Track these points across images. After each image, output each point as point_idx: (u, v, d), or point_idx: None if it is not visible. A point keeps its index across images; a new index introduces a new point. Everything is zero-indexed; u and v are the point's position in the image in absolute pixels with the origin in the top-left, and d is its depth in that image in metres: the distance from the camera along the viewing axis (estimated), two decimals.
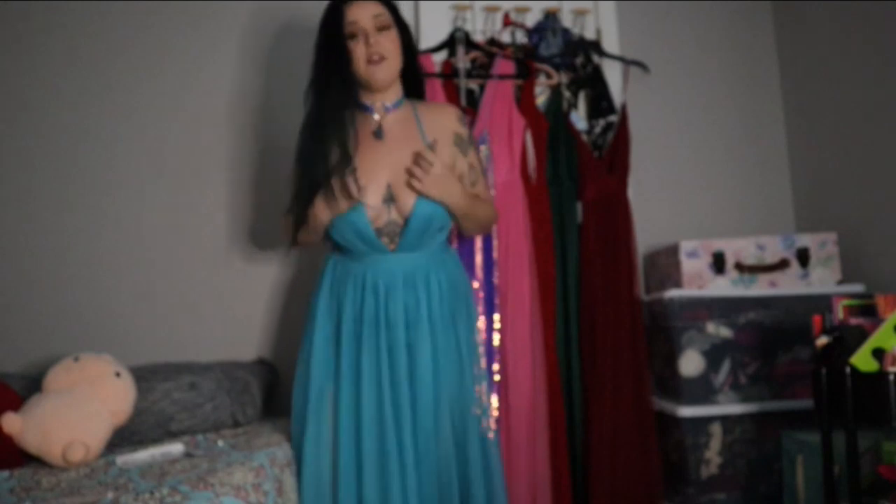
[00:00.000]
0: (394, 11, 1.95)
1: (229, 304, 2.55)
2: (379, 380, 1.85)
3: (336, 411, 1.88)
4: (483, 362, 2.26)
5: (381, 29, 1.89)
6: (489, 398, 2.00)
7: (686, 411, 2.35)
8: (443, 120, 2.00)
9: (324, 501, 1.85)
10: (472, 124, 2.43)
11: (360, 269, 1.91)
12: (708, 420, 2.35)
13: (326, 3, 1.95)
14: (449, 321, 1.92)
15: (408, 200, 1.88)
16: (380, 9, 1.90)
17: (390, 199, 1.89)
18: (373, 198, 1.88)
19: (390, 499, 1.79)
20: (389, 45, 1.89)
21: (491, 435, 1.94)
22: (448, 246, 2.05)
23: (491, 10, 2.61)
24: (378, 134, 1.93)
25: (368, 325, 1.88)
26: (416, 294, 1.89)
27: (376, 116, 1.96)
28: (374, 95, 1.96)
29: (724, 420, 2.36)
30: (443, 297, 1.92)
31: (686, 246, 2.44)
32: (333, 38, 1.89)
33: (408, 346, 1.87)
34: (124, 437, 2.02)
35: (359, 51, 1.88)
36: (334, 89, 1.89)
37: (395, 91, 1.98)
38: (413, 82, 2.04)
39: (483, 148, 2.39)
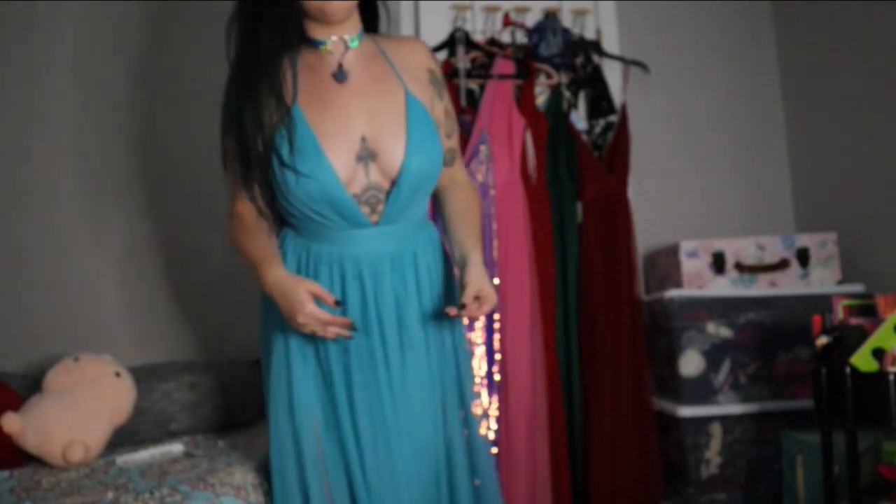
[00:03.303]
0: None
1: (229, 304, 2.55)
2: (377, 394, 1.50)
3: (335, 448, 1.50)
4: (483, 363, 2.28)
5: None
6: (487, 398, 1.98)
7: (686, 411, 2.35)
8: (415, 56, 1.59)
9: None
10: (471, 124, 2.43)
11: (334, 253, 1.49)
12: (708, 420, 2.35)
13: None
14: (441, 312, 1.55)
15: (393, 155, 1.47)
16: None
17: (367, 155, 1.47)
18: (343, 156, 1.46)
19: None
20: None
21: (487, 436, 1.81)
22: (428, 219, 1.64)
23: (491, 10, 2.61)
24: (339, 76, 1.50)
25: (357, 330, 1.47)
26: (404, 280, 1.52)
27: (334, 55, 1.53)
28: (327, 29, 1.51)
29: (724, 420, 2.36)
30: (433, 282, 1.56)
31: (686, 246, 2.44)
32: None
33: (401, 348, 1.50)
34: (124, 437, 2.02)
35: None
36: (270, 22, 1.45)
37: (355, 22, 1.54)
38: (368, 11, 1.60)
39: (483, 148, 2.39)
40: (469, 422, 1.60)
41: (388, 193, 1.49)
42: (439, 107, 1.59)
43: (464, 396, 1.60)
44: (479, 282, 1.47)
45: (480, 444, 1.62)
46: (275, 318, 1.52)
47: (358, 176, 1.47)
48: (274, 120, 1.45)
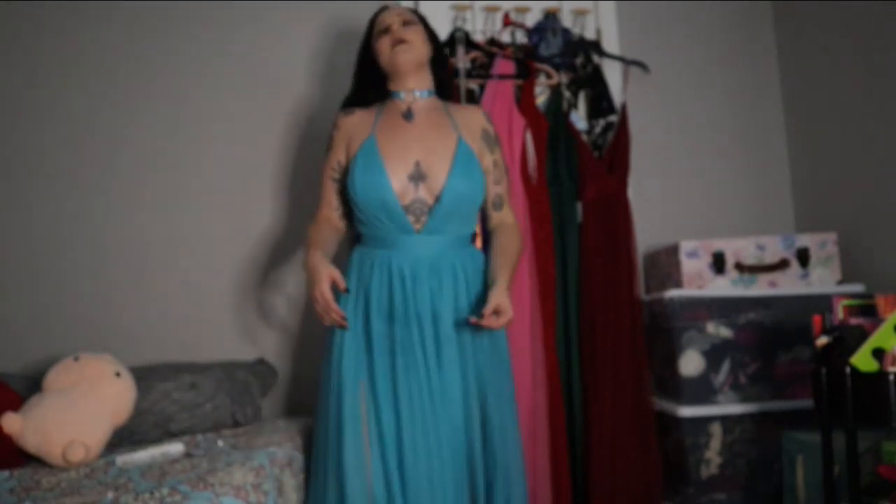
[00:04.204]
0: (423, 21, 2.06)
1: (229, 304, 2.55)
2: (416, 375, 1.82)
3: (375, 409, 1.81)
4: None
5: (407, 23, 1.99)
6: None
7: (686, 411, 2.35)
8: (473, 116, 2.03)
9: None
10: None
11: (385, 256, 1.88)
12: (708, 420, 2.35)
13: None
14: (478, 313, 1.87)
15: (438, 177, 1.88)
16: (408, 14, 2.03)
17: (418, 176, 1.89)
18: (400, 174, 1.88)
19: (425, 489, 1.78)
20: (412, 34, 1.97)
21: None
22: (473, 244, 2.02)
23: (491, 10, 2.62)
24: (408, 116, 1.96)
25: (399, 319, 1.84)
26: (440, 281, 1.86)
27: (406, 102, 1.99)
28: (403, 82, 1.99)
29: (724, 420, 2.36)
30: (469, 287, 1.90)
31: (686, 246, 2.44)
32: (367, 41, 2.06)
33: (436, 339, 1.83)
34: (124, 437, 2.02)
35: (385, 42, 1.97)
36: (365, 77, 2.06)
37: (425, 80, 2.02)
38: (442, 82, 2.09)
39: None
40: (504, 411, 1.91)
41: (432, 208, 1.88)
42: (489, 158, 2.00)
43: (500, 388, 1.92)
44: (499, 298, 1.82)
45: (511, 434, 1.91)
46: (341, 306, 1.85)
47: (409, 191, 1.88)
48: (357, 147, 1.94)
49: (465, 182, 1.89)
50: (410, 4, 2.59)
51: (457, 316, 1.86)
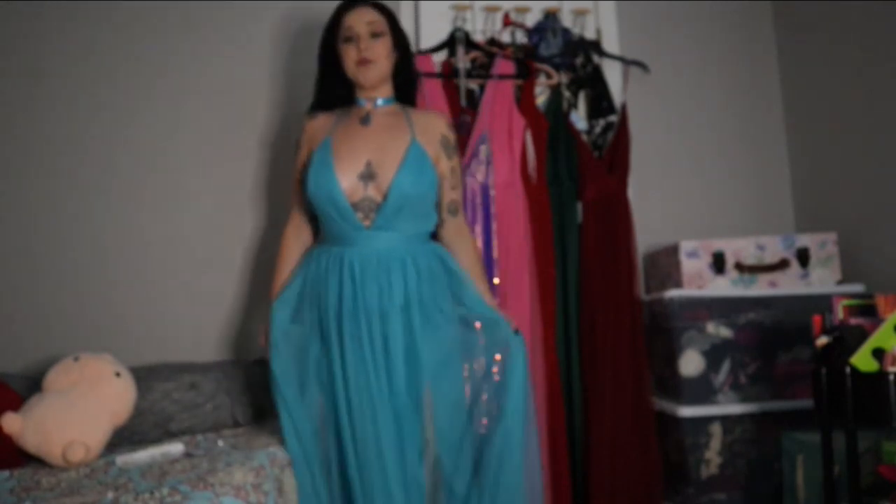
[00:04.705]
0: (390, 18, 2.05)
1: (229, 304, 2.55)
2: (363, 368, 1.88)
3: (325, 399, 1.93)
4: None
5: (375, 35, 2.00)
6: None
7: (686, 411, 2.35)
8: (433, 122, 2.07)
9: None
10: (471, 124, 2.43)
11: (338, 252, 1.95)
12: (708, 420, 2.35)
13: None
14: (434, 311, 1.93)
15: (387, 175, 1.93)
16: (375, 16, 2.02)
17: (368, 175, 1.95)
18: (349, 173, 1.94)
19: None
20: (381, 50, 2.00)
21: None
22: (433, 242, 2.05)
23: (491, 10, 2.61)
24: (365, 121, 2.02)
25: (348, 313, 1.89)
26: (389, 278, 1.92)
27: (366, 107, 2.05)
28: (365, 92, 2.05)
29: (724, 420, 2.36)
30: (422, 284, 1.93)
31: (686, 246, 2.44)
32: (330, 42, 2.06)
33: (383, 336, 1.89)
34: (124, 437, 2.02)
35: (351, 54, 2.00)
36: (329, 82, 2.10)
37: (386, 90, 2.07)
38: (405, 88, 2.12)
39: (483, 148, 2.39)
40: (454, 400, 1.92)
41: (380, 205, 1.93)
42: (445, 163, 2.05)
43: (450, 383, 1.93)
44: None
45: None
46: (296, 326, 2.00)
47: (358, 189, 1.95)
48: (315, 148, 2.02)
49: (413, 179, 1.94)
50: (410, 5, 2.60)
51: (409, 310, 1.90)
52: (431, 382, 1.90)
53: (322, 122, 2.07)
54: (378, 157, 1.96)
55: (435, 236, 2.08)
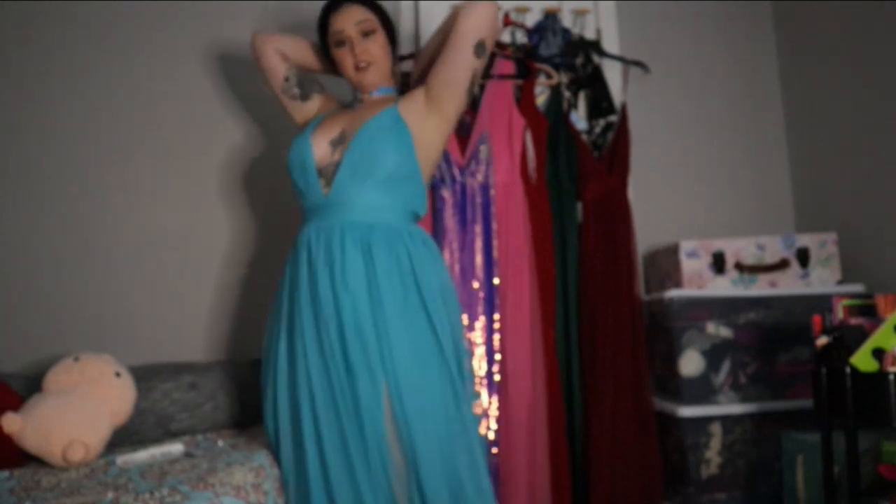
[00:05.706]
0: (378, 12, 1.99)
1: (229, 304, 2.55)
2: (320, 350, 1.77)
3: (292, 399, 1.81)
4: (483, 363, 2.28)
5: (367, 34, 1.95)
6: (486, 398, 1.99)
7: (686, 411, 2.35)
8: (417, 90, 1.99)
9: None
10: (471, 124, 2.43)
11: (305, 231, 1.88)
12: (708, 420, 2.35)
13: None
14: (401, 303, 1.77)
15: (349, 138, 1.87)
16: (363, 13, 1.95)
17: (339, 141, 1.89)
18: (323, 141, 1.90)
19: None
20: (376, 49, 1.96)
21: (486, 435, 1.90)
22: (416, 225, 1.92)
23: None
24: (353, 103, 2.02)
25: (305, 305, 1.78)
26: (343, 258, 1.77)
27: (365, 99, 2.02)
28: (366, 89, 2.02)
29: (724, 420, 2.36)
30: (391, 273, 1.78)
31: (686, 246, 2.44)
32: (326, 45, 2.02)
33: (339, 331, 1.75)
34: (124, 437, 2.02)
35: (347, 59, 1.96)
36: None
37: (387, 81, 2.03)
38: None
39: (483, 148, 2.39)
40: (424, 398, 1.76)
41: (338, 165, 1.85)
42: (429, 84, 1.93)
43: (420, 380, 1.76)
44: None
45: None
46: (274, 316, 1.91)
47: (327, 154, 1.89)
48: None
49: (377, 136, 1.83)
50: (410, 5, 2.59)
51: (364, 301, 1.75)
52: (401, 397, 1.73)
53: (330, 103, 2.09)
54: (352, 125, 1.90)
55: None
